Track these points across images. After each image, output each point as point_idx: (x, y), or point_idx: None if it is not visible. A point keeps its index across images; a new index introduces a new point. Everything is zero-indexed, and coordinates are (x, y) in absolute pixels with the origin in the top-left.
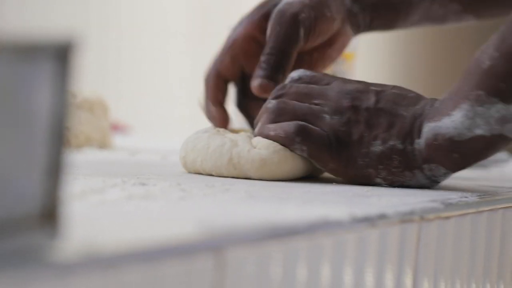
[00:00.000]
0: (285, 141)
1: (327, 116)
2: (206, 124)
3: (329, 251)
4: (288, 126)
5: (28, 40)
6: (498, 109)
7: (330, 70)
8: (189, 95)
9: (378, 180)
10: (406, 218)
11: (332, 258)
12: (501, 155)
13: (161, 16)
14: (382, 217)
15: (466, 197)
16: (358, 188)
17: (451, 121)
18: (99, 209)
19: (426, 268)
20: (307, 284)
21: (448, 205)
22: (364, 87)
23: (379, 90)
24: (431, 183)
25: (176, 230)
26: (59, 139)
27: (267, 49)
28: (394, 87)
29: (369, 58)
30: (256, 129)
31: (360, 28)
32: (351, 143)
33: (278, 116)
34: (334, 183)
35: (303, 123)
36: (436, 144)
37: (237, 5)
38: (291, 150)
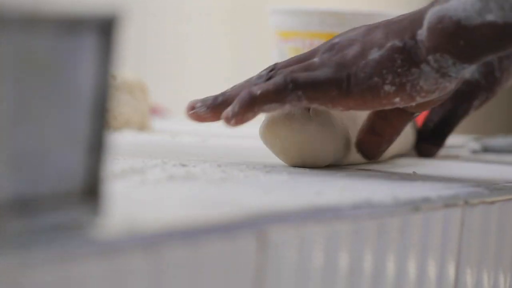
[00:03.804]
0: (277, 94)
1: (316, 59)
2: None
3: (372, 235)
4: (275, 79)
5: (71, 14)
6: None
7: None
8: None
9: (387, 87)
10: (450, 202)
11: (375, 241)
12: None
13: None
14: (426, 200)
15: (510, 182)
16: (403, 174)
17: (461, 3)
18: (140, 188)
19: (469, 254)
20: (348, 267)
21: (493, 190)
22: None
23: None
24: (442, 77)
25: (218, 211)
26: (101, 115)
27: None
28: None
29: None
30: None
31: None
32: (347, 63)
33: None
34: (376, 169)
35: (288, 71)
36: (440, 28)
37: None
38: (288, 103)
